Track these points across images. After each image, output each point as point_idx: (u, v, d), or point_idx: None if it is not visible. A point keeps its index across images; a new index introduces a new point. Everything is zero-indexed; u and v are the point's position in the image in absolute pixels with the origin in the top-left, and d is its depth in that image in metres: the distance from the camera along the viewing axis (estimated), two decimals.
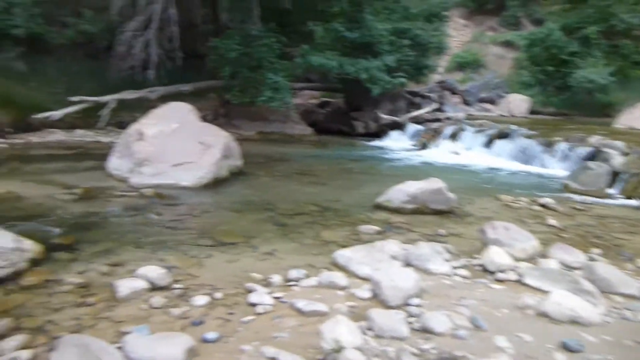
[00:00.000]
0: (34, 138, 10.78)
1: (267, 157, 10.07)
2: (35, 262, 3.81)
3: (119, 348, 2.61)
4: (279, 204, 6.20)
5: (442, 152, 12.04)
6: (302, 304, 3.26)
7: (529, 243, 4.57)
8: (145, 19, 10.70)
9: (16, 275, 3.58)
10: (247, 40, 11.44)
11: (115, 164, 7.22)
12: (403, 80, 14.13)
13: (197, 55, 14.45)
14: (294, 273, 3.84)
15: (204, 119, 8.96)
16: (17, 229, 4.24)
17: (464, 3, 27.52)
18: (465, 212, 6.18)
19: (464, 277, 3.97)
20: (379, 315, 3.04)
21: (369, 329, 2.96)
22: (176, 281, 3.61)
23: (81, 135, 11.40)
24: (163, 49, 11.05)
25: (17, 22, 12.36)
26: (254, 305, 3.28)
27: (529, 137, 11.20)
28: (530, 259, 4.39)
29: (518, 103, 19.23)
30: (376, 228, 5.26)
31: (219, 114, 13.08)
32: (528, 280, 3.86)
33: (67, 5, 12.65)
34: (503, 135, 11.63)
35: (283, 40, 12.13)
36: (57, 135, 11.16)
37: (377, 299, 3.42)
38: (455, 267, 4.15)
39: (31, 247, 3.87)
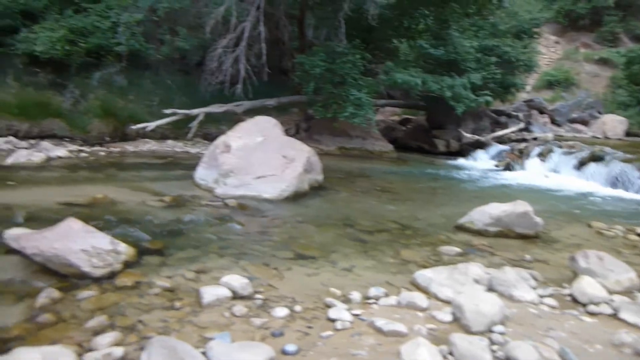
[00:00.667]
0: (130, 147, 11.52)
1: (347, 172, 10.11)
2: (127, 264, 4.03)
3: (203, 353, 2.69)
4: (358, 220, 6.19)
5: (528, 174, 11.53)
6: (381, 322, 3.21)
7: (626, 275, 4.23)
8: (236, 36, 11.15)
9: (111, 275, 3.80)
10: (332, 57, 11.60)
11: (202, 174, 7.53)
12: (488, 98, 13.75)
13: (282, 70, 14.88)
14: (373, 291, 3.80)
15: (286, 132, 9.17)
16: (111, 232, 4.53)
17: (556, 19, 26.40)
18: (553, 238, 5.86)
19: (552, 306, 3.74)
20: (460, 340, 2.93)
21: (450, 353, 2.87)
22: (257, 291, 3.68)
23: (171, 146, 12.04)
24: (251, 65, 11.45)
25: (121, 40, 13.31)
26: (333, 320, 3.27)
27: (625, 161, 10.47)
28: (627, 293, 4.07)
29: (613, 124, 18.07)
30: (457, 250, 5.11)
31: (301, 128, 13.33)
32: (624, 315, 3.57)
33: (165, 23, 13.43)
34: (596, 158, 10.95)
35: (367, 57, 12.20)
36: (150, 145, 11.86)
37: (459, 323, 3.31)
38: (542, 296, 3.93)
39: (125, 250, 4.11)
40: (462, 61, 13.79)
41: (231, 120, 12.80)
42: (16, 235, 4.19)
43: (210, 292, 3.48)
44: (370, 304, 3.64)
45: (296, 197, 7.06)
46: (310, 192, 7.44)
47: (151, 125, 10.83)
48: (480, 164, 13.28)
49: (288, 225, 5.85)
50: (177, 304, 3.42)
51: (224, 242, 4.94)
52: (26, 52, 12.81)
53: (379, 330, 3.17)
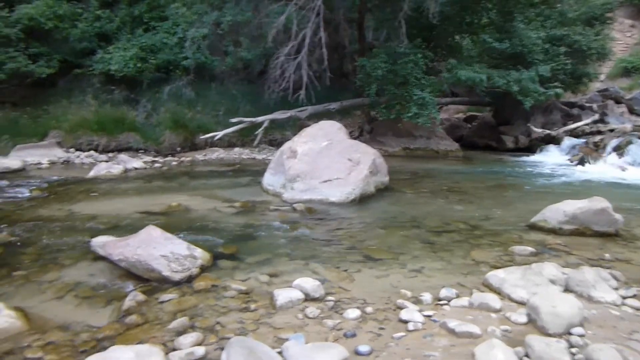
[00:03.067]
0: (199, 156, 11.99)
1: (412, 173, 10.03)
2: (204, 268, 4.21)
3: (279, 353, 2.78)
4: (426, 221, 6.13)
5: (604, 168, 10.97)
6: (454, 324, 3.18)
7: None
8: (297, 43, 11.35)
9: (189, 279, 3.99)
10: (393, 58, 11.56)
11: (270, 180, 7.72)
12: (558, 90, 13.21)
13: (343, 74, 14.98)
14: (444, 292, 3.77)
15: (350, 135, 9.22)
16: (187, 238, 4.74)
17: (631, 1, 24.84)
18: (635, 236, 5.55)
19: (636, 308, 3.56)
20: (537, 342, 2.86)
21: (526, 356, 2.80)
22: (329, 293, 3.74)
23: (238, 153, 12.42)
24: (312, 71, 11.62)
25: (187, 54, 13.90)
26: (404, 322, 3.27)
27: None
28: None
29: None
30: (531, 249, 4.95)
31: (364, 130, 13.36)
32: None
33: (228, 36, 13.89)
34: None
35: (429, 56, 12.06)
36: (218, 153, 12.29)
37: (535, 325, 3.22)
38: (624, 297, 3.74)
39: (201, 255, 4.30)
40: (529, 53, 13.33)
41: (295, 125, 13.06)
42: (102, 242, 4.49)
43: (283, 295, 3.58)
44: (441, 305, 3.61)
45: (363, 200, 7.09)
46: (376, 194, 7.45)
47: (219, 134, 11.22)
48: (551, 159, 12.77)
49: (356, 228, 5.89)
50: (252, 306, 3.55)
51: (294, 246, 5.05)
52: (103, 71, 13.66)
53: (451, 332, 3.15)
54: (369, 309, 3.48)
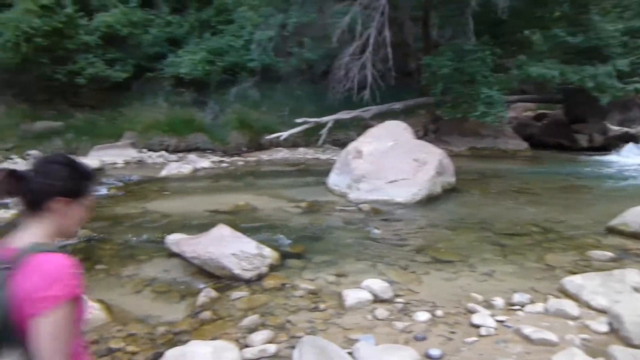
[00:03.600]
0: (264, 156, 12.22)
1: (479, 173, 9.77)
2: (272, 267, 4.29)
3: (350, 354, 2.78)
4: (495, 223, 5.95)
5: None
6: (529, 330, 3.08)
7: None
8: (362, 43, 11.33)
9: (259, 277, 4.07)
10: (460, 55, 11.31)
11: (335, 180, 7.75)
12: (638, 86, 12.44)
13: (407, 73, 14.80)
14: (517, 297, 3.65)
15: (414, 135, 9.09)
16: (255, 237, 4.83)
17: None
18: None
19: None
20: (622, 353, 2.72)
21: None
22: (397, 295, 3.71)
23: (302, 153, 12.56)
24: (377, 70, 11.56)
25: (253, 56, 14.21)
26: (476, 326, 3.20)
27: None
28: None
29: None
30: (610, 254, 4.70)
31: (428, 130, 13.16)
32: None
33: (293, 37, 14.07)
34: None
35: (497, 52, 11.69)
36: (283, 153, 12.48)
37: (617, 335, 3.05)
38: None
39: (269, 254, 4.38)
40: (605, 47, 12.63)
41: (359, 125, 13.03)
42: (176, 240, 4.67)
43: (352, 295, 3.58)
44: (514, 310, 3.50)
45: (429, 201, 6.98)
46: (443, 195, 7.32)
47: (284, 134, 11.39)
48: (630, 159, 12.05)
49: (423, 229, 5.81)
50: (321, 305, 3.57)
51: (361, 246, 5.04)
52: (173, 74, 14.20)
53: (526, 338, 3.04)
54: (439, 312, 3.42)
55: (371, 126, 10.56)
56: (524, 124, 16.06)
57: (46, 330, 1.12)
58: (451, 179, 7.67)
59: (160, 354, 2.92)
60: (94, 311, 3.43)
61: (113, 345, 3.09)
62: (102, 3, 15.19)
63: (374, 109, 11.95)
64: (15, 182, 1.22)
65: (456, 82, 11.23)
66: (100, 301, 3.62)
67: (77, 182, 1.31)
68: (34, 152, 11.73)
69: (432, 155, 7.36)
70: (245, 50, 14.66)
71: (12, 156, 11.46)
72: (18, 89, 14.17)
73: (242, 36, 15.01)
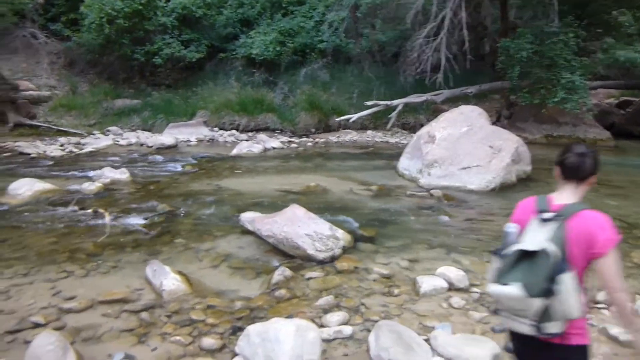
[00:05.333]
0: (333, 138, 12.23)
1: None
2: (345, 250, 4.30)
3: (427, 341, 2.76)
4: None
5: None
6: (616, 331, 2.93)
7: None
8: (436, 25, 11.02)
9: (332, 259, 4.10)
10: (540, 38, 10.74)
11: (405, 164, 7.65)
12: None
13: (481, 56, 14.28)
14: (600, 296, 3.47)
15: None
16: (327, 218, 4.86)
17: None
18: None
19: None
20: None
21: None
22: (473, 285, 3.63)
23: (371, 136, 12.46)
24: (451, 53, 11.21)
25: (324, 37, 14.17)
26: None
27: None
28: None
29: None
30: None
31: (502, 116, 12.66)
32: None
33: (365, 18, 13.89)
34: None
35: (581, 35, 11.00)
36: (351, 135, 12.43)
37: None
38: None
39: (342, 236, 4.39)
40: None
41: (429, 109, 12.76)
42: (251, 218, 4.77)
43: (427, 282, 3.54)
44: (599, 308, 3.33)
45: (503, 189, 6.74)
46: (518, 184, 7.05)
47: (354, 116, 11.31)
48: None
49: (497, 218, 5.62)
50: (395, 290, 3.56)
51: (433, 233, 4.96)
52: (245, 55, 14.43)
53: (613, 339, 2.91)
54: None
55: (442, 110, 10.31)
56: (606, 112, 15.12)
57: (611, 262, 1.58)
58: (527, 168, 7.37)
59: (239, 328, 3.02)
60: (175, 282, 3.58)
61: (194, 316, 3.22)
62: None
63: (445, 93, 11.62)
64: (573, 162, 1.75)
65: (535, 66, 10.68)
66: (181, 273, 3.77)
67: (598, 165, 1.77)
68: (113, 128, 12.34)
69: (508, 143, 7.09)
70: (315, 32, 14.63)
71: (95, 132, 12.09)
72: (101, 68, 14.92)
73: (313, 17, 14.99)
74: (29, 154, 9.33)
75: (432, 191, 6.56)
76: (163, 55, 13.83)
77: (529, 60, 10.64)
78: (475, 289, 3.56)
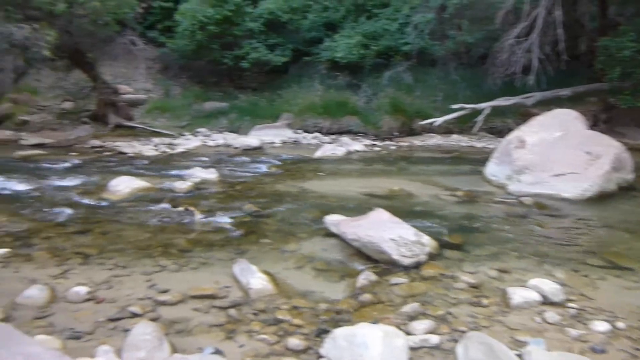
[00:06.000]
0: (417, 141, 12.06)
1: None
2: (431, 256, 4.20)
3: (519, 356, 2.63)
4: None
5: None
6: None
7: None
8: (528, 24, 10.55)
9: (417, 265, 4.02)
10: None
11: (493, 169, 7.38)
12: None
13: (575, 56, 13.49)
14: None
15: None
16: (412, 224, 4.76)
17: None
18: None
19: None
20: None
21: None
22: (569, 300, 3.42)
23: (456, 140, 12.15)
24: (544, 53, 10.69)
25: (408, 40, 14.01)
26: None
27: None
28: None
29: None
30: None
31: (599, 119, 11.89)
32: None
33: (451, 19, 13.58)
34: None
35: None
36: (436, 139, 12.20)
37: None
38: None
39: (428, 242, 4.29)
40: None
41: (517, 113, 12.24)
42: (335, 221, 4.79)
43: (518, 294, 3.38)
44: None
45: (601, 198, 6.31)
46: (618, 193, 6.57)
47: (438, 120, 11.10)
48: None
49: (594, 229, 5.29)
50: (484, 301, 3.43)
51: (524, 242, 4.74)
52: (329, 58, 14.59)
53: None
54: (620, 324, 3.09)
55: (532, 114, 9.84)
56: None
57: None
58: (629, 176, 6.85)
59: (324, 331, 3.03)
60: (261, 282, 3.67)
61: (280, 316, 3.27)
62: None
63: (537, 96, 11.09)
64: None
65: (638, 66, 9.95)
66: (267, 273, 3.85)
67: None
68: (203, 129, 12.88)
69: (608, 148, 6.63)
70: (400, 34, 14.51)
71: (185, 133, 12.70)
72: (192, 72, 15.67)
73: (397, 19, 14.88)
74: (126, 153, 9.95)
75: (522, 198, 6.28)
76: (250, 60, 14.28)
77: (632, 59, 9.92)
78: (571, 304, 3.35)
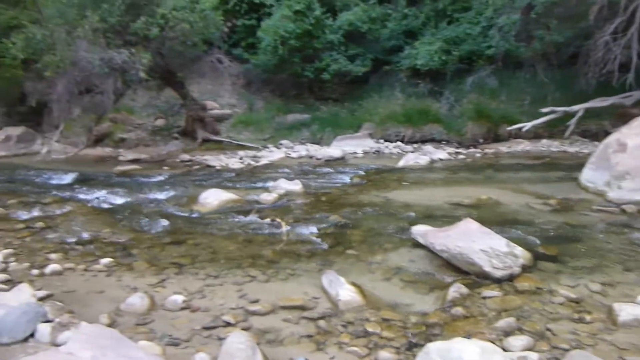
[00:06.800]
0: (503, 148, 11.62)
1: None
2: (524, 268, 4.01)
3: None
4: None
5: None
6: None
7: None
8: (626, 18, 9.87)
9: (510, 277, 3.85)
10: None
11: (590, 176, 6.93)
12: None
13: None
14: None
15: None
16: (503, 234, 4.57)
17: None
18: None
19: None
20: None
21: None
22: None
23: (546, 145, 11.57)
24: None
25: (492, 43, 13.56)
26: None
27: None
28: None
29: None
30: None
31: None
32: None
33: (538, 18, 12.99)
34: None
35: None
36: (523, 145, 11.68)
37: None
38: None
39: (521, 254, 4.10)
40: None
41: (614, 114, 11.45)
42: (423, 231, 4.71)
43: (626, 310, 3.14)
44: None
45: None
46: None
47: (527, 125, 10.62)
48: None
49: None
50: (587, 317, 3.22)
51: (628, 254, 4.40)
52: (409, 66, 14.44)
53: None
54: None
55: (632, 115, 9.15)
56: None
57: None
58: None
59: (415, 344, 2.98)
60: (350, 293, 3.67)
61: (369, 328, 3.25)
62: (344, 3, 16.22)
63: (636, 95, 10.32)
64: None
65: None
66: (355, 284, 3.84)
67: None
68: (285, 141, 13.16)
69: None
70: (482, 37, 14.07)
71: (268, 145, 13.03)
72: (274, 86, 16.10)
73: (480, 23, 14.44)
74: (214, 166, 10.38)
75: (623, 206, 5.85)
76: (330, 71, 14.45)
77: None
78: None
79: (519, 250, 4.12)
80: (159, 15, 10.74)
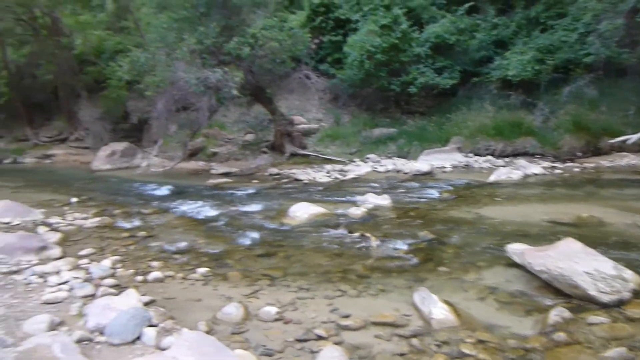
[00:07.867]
0: (604, 162, 10.89)
1: None
2: (635, 294, 3.72)
3: None
4: None
5: None
6: None
7: None
8: None
9: (619, 303, 3.59)
10: None
11: None
12: None
13: None
14: None
15: None
16: (609, 255, 4.27)
17: None
18: None
19: None
20: None
21: None
22: None
23: None
24: None
25: (590, 50, 12.78)
26: None
27: None
28: None
29: None
30: None
31: None
32: None
33: None
34: None
35: None
36: (628, 159, 10.88)
37: None
38: None
39: (632, 277, 3.81)
40: None
41: None
42: (519, 250, 4.51)
43: None
44: None
45: None
46: None
47: (633, 137, 9.84)
48: None
49: None
50: None
51: None
52: (499, 77, 13.95)
53: None
54: None
55: None
56: None
57: None
58: None
59: None
60: (443, 312, 3.58)
61: (465, 349, 3.16)
62: (431, 15, 16.03)
63: None
64: None
65: None
66: (448, 303, 3.75)
67: None
68: (372, 155, 13.15)
69: None
70: (580, 45, 13.30)
71: (355, 159, 13.07)
72: (360, 100, 16.18)
73: (577, 29, 13.66)
74: (301, 180, 10.57)
75: None
76: (417, 84, 14.29)
77: None
78: None
79: (628, 273, 3.83)
80: (249, 35, 11.21)
